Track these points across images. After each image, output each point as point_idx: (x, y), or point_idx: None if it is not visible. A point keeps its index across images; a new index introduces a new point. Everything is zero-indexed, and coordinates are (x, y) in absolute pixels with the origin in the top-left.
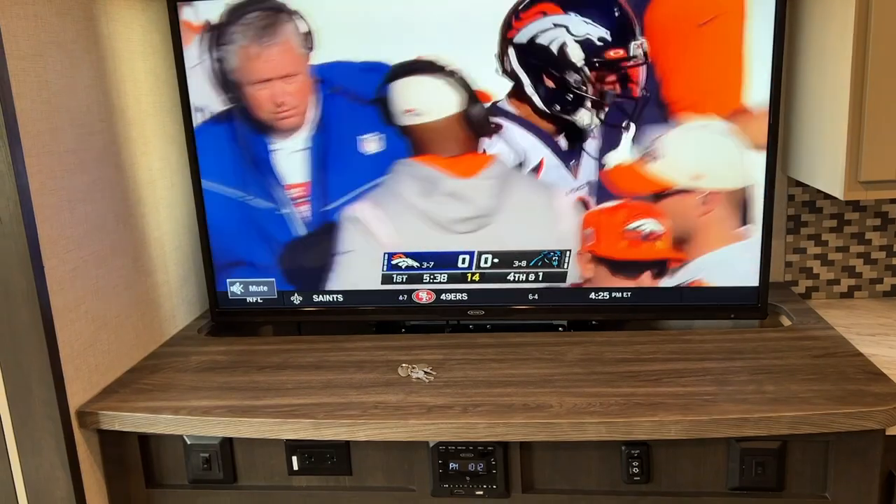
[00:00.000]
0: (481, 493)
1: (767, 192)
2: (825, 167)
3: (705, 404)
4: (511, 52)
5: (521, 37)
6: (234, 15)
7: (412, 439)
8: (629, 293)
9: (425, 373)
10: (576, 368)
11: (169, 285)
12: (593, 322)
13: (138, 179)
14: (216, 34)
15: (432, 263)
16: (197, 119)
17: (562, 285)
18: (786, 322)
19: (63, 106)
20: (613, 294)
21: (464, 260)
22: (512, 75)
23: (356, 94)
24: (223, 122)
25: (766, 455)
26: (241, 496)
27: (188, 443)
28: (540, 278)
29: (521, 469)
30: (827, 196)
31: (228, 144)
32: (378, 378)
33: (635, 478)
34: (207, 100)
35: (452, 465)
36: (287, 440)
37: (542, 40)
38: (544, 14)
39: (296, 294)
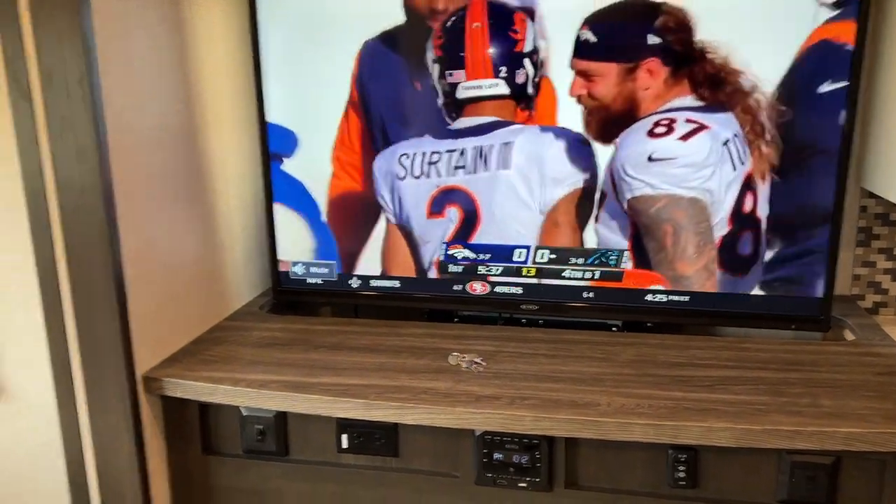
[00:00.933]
0: (524, 485)
1: (837, 202)
2: None
3: (757, 414)
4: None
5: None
6: None
7: (459, 427)
8: (687, 297)
9: (475, 363)
10: (627, 369)
11: (235, 263)
12: (648, 324)
13: (211, 159)
14: None
15: (489, 256)
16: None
17: (618, 285)
18: (849, 336)
19: (145, 86)
20: (671, 297)
21: (520, 254)
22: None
23: None
24: None
25: (818, 469)
26: (292, 469)
27: (244, 414)
28: (596, 277)
29: (566, 464)
30: None
31: None
32: (429, 364)
33: (680, 482)
34: None
35: (497, 456)
36: (338, 418)
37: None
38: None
39: (355, 278)
